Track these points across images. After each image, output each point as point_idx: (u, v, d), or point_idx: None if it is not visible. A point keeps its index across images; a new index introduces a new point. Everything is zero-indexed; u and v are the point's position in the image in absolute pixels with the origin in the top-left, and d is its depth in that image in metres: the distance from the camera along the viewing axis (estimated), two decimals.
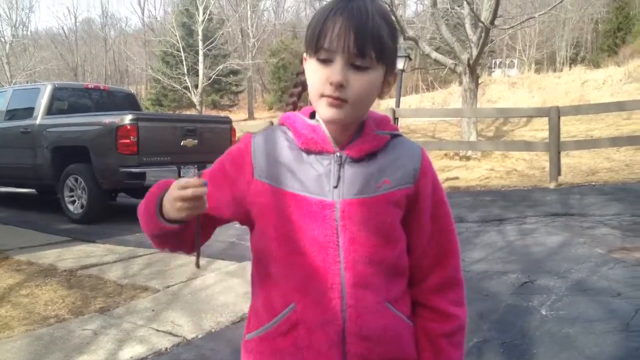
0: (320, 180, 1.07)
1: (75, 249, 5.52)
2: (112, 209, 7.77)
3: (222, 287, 4.13)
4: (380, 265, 1.07)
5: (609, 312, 3.32)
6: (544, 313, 3.38)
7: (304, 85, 1.17)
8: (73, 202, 7.26)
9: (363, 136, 1.10)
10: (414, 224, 1.13)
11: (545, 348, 2.92)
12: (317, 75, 1.04)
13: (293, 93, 1.22)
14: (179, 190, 1.00)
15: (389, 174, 1.09)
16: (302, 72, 1.14)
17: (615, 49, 36.32)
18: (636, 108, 10.90)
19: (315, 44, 1.02)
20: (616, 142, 9.35)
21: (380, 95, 1.11)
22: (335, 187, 1.07)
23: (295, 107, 1.21)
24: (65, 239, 6.07)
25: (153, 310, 3.68)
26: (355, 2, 1.01)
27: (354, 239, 1.06)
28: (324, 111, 1.05)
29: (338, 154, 1.08)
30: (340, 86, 1.01)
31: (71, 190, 7.26)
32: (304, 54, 1.10)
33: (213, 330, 3.35)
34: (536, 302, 3.56)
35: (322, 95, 1.03)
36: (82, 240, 6.00)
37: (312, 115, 1.13)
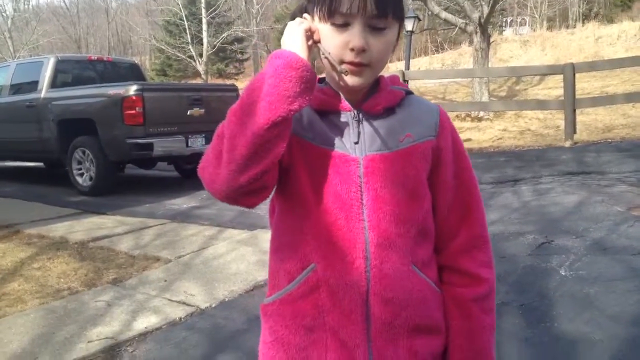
0: (341, 137, 1.03)
1: (86, 221, 5.49)
2: (121, 180, 7.75)
3: (234, 256, 4.09)
4: (406, 225, 1.02)
5: (630, 271, 3.25)
6: (563, 273, 3.32)
7: None
8: (81, 175, 7.22)
9: (379, 92, 1.06)
10: (438, 180, 1.09)
11: (565, 309, 2.86)
12: (333, 41, 0.98)
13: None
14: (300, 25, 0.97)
15: (410, 127, 1.05)
16: None
17: (629, 3, 35.38)
18: None
19: (331, 9, 0.96)
20: (632, 97, 9.12)
21: (393, 50, 1.06)
22: (357, 143, 1.03)
23: None
24: (75, 211, 6.04)
25: (165, 281, 3.65)
26: None
27: (378, 196, 1.01)
28: (345, 78, 1.00)
29: (355, 111, 1.04)
30: (362, 51, 0.97)
31: (79, 162, 7.22)
32: (306, 15, 1.03)
33: (226, 300, 3.31)
34: (555, 262, 3.50)
35: (342, 62, 0.99)
36: (92, 212, 5.97)
37: (320, 80, 1.07)
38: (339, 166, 1.01)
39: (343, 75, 0.99)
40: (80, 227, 5.21)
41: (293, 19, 1.04)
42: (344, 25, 0.97)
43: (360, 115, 1.04)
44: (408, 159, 1.04)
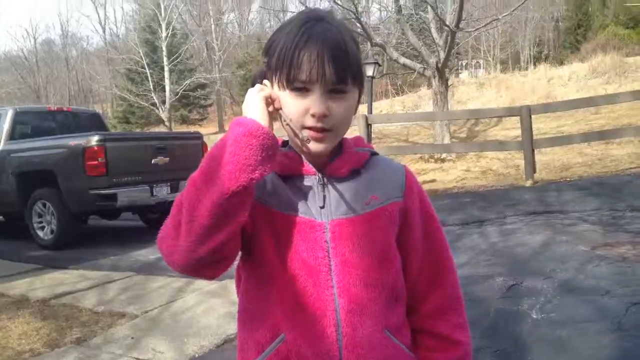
0: (306, 202, 1.01)
1: (47, 277, 5.32)
2: (84, 232, 7.55)
3: (204, 308, 3.99)
4: (377, 289, 1.00)
5: (599, 312, 3.28)
6: (534, 316, 3.33)
7: None
8: (42, 228, 7.03)
9: (343, 154, 1.05)
10: (407, 242, 1.07)
11: (540, 353, 2.87)
12: (294, 108, 0.98)
13: None
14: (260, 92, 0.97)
15: (376, 189, 1.04)
16: None
17: (577, 45, 37.06)
18: (605, 103, 11.11)
19: (290, 77, 0.96)
20: (588, 137, 9.45)
21: (354, 112, 1.07)
22: (322, 207, 1.01)
23: None
24: (36, 266, 5.86)
25: (132, 338, 3.53)
26: (320, 24, 0.97)
27: (346, 261, 0.99)
28: (308, 145, 1.00)
29: (319, 175, 1.03)
30: (323, 117, 0.97)
31: (40, 215, 7.03)
32: (266, 81, 1.02)
33: (197, 356, 3.22)
34: (525, 305, 3.51)
35: (303, 127, 0.98)
36: (54, 267, 5.79)
37: (283, 144, 1.07)
38: (305, 232, 0.99)
39: (305, 142, 0.98)
40: (41, 284, 5.03)
41: (253, 84, 1.04)
42: (304, 92, 0.97)
43: (325, 179, 1.03)
44: (375, 221, 1.02)
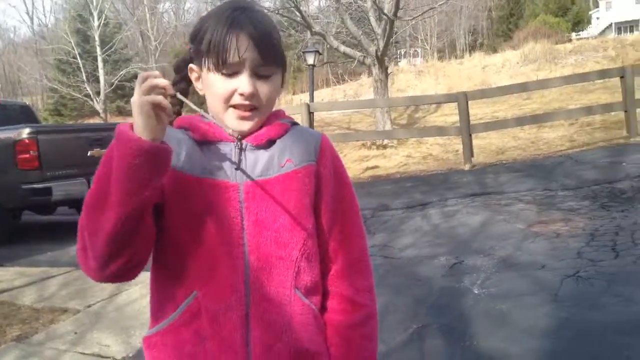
0: (221, 165, 1.05)
1: None
2: (18, 228, 7.24)
3: (149, 300, 3.90)
4: (287, 248, 1.05)
5: (536, 285, 3.44)
6: (476, 292, 3.45)
7: (185, 94, 1.14)
8: None
9: (264, 125, 1.09)
10: (319, 205, 1.11)
11: (482, 327, 2.97)
12: (222, 87, 1.04)
13: (174, 103, 1.13)
14: (142, 89, 0.89)
15: (290, 154, 1.08)
16: (181, 81, 1.15)
17: (509, 33, 38.33)
18: (537, 88, 11.56)
19: (219, 61, 1.02)
20: (521, 121, 9.82)
21: (279, 94, 1.14)
22: (237, 169, 1.04)
23: (179, 115, 1.16)
24: None
25: (76, 333, 3.43)
26: (245, 13, 1.04)
27: (258, 221, 1.03)
28: (234, 123, 1.05)
29: (238, 142, 1.06)
30: (251, 96, 1.03)
31: None
32: (192, 65, 1.10)
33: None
34: (467, 282, 3.64)
35: (231, 106, 1.04)
36: None
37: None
38: (218, 193, 1.03)
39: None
40: None
41: (177, 71, 1.14)
42: (233, 75, 1.03)
43: (243, 145, 1.06)
44: (288, 183, 1.06)
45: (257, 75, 1.04)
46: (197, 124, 1.08)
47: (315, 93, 17.02)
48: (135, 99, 0.89)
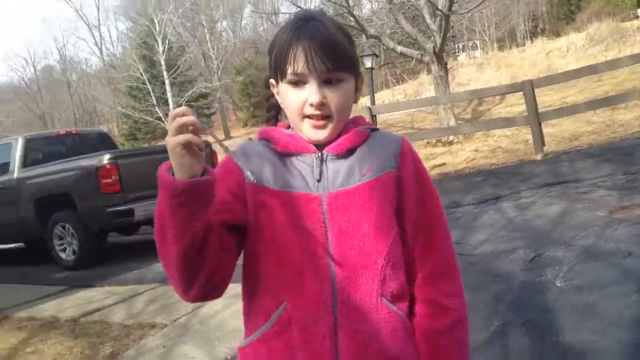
0: (303, 177, 1.07)
1: (75, 297, 5.39)
2: (105, 249, 7.63)
3: (231, 312, 4.03)
4: (372, 257, 1.05)
5: (622, 274, 3.30)
6: (559, 285, 3.35)
7: (277, 108, 1.20)
8: (64, 250, 7.10)
9: (343, 134, 1.11)
10: (402, 211, 1.11)
11: (568, 321, 2.88)
12: (294, 98, 1.06)
13: (269, 118, 1.22)
14: (172, 130, 0.92)
15: (370, 162, 1.09)
16: (272, 95, 1.17)
17: (571, 16, 36.74)
18: (606, 69, 11.01)
19: (285, 71, 1.05)
20: (593, 104, 9.40)
21: (355, 101, 1.14)
22: (319, 180, 1.07)
23: (277, 121, 1.22)
24: (62, 287, 5.91)
25: (164, 347, 3.59)
26: (310, 22, 1.05)
27: (342, 231, 1.05)
28: (310, 133, 1.08)
29: (319, 152, 1.09)
30: (321, 105, 1.04)
31: (60, 238, 7.11)
32: (271, 80, 1.14)
33: (228, 357, 3.27)
34: (549, 275, 3.53)
35: (305, 116, 1.07)
36: (80, 286, 5.85)
37: (287, 127, 1.16)
38: (302, 206, 1.05)
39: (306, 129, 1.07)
40: (69, 304, 5.10)
41: (267, 87, 1.17)
42: (301, 84, 1.06)
43: (323, 156, 1.09)
44: (370, 192, 1.07)
45: (327, 83, 1.05)
46: (279, 137, 1.11)
47: (376, 95, 16.98)
48: (167, 140, 0.92)
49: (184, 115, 0.92)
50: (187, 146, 0.91)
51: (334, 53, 1.03)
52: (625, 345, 2.53)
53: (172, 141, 0.91)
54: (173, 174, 0.93)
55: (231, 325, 3.76)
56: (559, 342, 2.69)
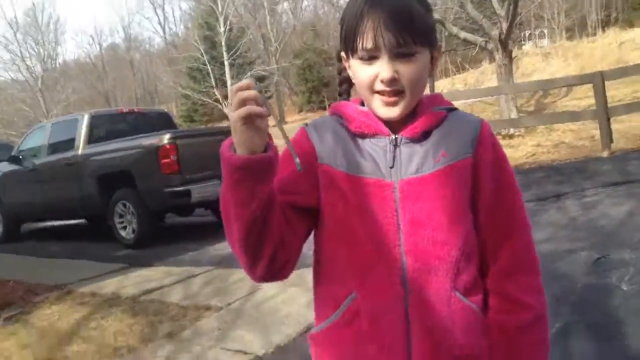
0: (376, 162, 1.03)
1: (134, 275, 5.53)
2: (162, 230, 7.82)
3: (284, 298, 4.07)
4: (445, 248, 1.00)
5: None
6: (625, 289, 3.22)
7: (349, 82, 1.15)
8: (124, 228, 7.27)
9: (418, 115, 1.05)
10: (478, 199, 1.05)
11: (634, 326, 2.76)
12: (365, 74, 1.02)
13: (341, 92, 1.18)
14: (234, 105, 0.90)
15: (445, 147, 1.03)
16: (344, 69, 1.12)
17: None
18: None
19: (356, 45, 1.00)
20: None
21: (430, 74, 1.09)
22: (392, 167, 1.03)
23: (349, 95, 1.19)
24: (123, 265, 6.08)
25: (220, 329, 3.64)
26: None
27: (415, 220, 1.00)
28: (381, 110, 1.03)
29: (393, 136, 1.04)
30: (392, 80, 0.99)
31: (121, 216, 7.28)
32: (342, 53, 1.09)
33: (282, 344, 3.28)
34: (614, 278, 3.39)
35: (375, 92, 1.02)
36: (139, 265, 6.00)
37: (362, 103, 1.10)
38: (374, 192, 1.01)
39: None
40: (129, 282, 5.24)
41: (339, 60, 1.11)
42: (371, 58, 1.00)
43: (397, 140, 1.04)
44: (445, 179, 1.01)
45: (399, 56, 0.99)
46: (353, 115, 1.07)
47: (435, 84, 16.67)
48: (229, 114, 0.91)
49: (247, 88, 0.90)
50: (248, 120, 0.89)
51: (406, 25, 0.97)
52: None
53: (234, 115, 0.89)
54: (235, 150, 0.92)
55: (284, 312, 3.79)
56: (624, 346, 2.59)
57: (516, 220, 1.08)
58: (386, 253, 1.00)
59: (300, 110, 40.34)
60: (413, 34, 0.98)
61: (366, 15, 0.98)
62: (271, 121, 0.96)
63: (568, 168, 7.53)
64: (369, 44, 0.98)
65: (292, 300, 3.98)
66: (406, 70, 0.99)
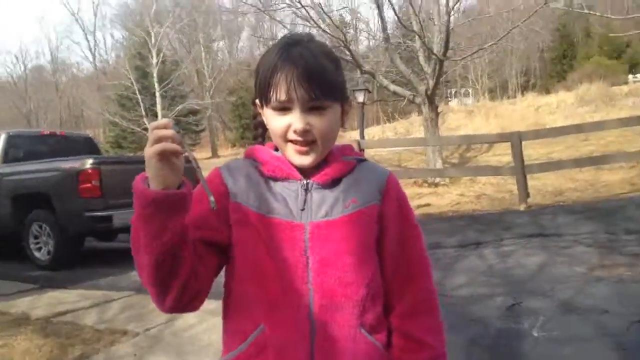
0: (287, 204, 1.07)
1: (47, 296, 5.27)
2: (82, 253, 7.45)
3: (205, 327, 3.96)
4: (352, 287, 1.05)
5: (600, 330, 3.30)
6: (536, 335, 3.34)
7: (263, 127, 1.17)
8: (39, 249, 6.96)
9: (329, 163, 1.10)
10: (383, 245, 1.11)
11: None
12: (278, 123, 1.05)
13: (256, 135, 1.22)
14: (150, 141, 0.91)
15: (355, 193, 1.09)
16: (258, 114, 1.16)
17: (563, 74, 37.73)
18: (593, 130, 11.28)
19: (269, 97, 1.04)
20: (579, 163, 9.60)
21: (342, 125, 1.13)
22: (303, 209, 1.06)
23: (264, 139, 1.21)
24: (35, 286, 5.80)
25: (135, 355, 3.51)
26: (296, 48, 1.03)
27: (324, 260, 1.04)
28: (294, 158, 1.07)
29: (304, 180, 1.08)
30: (305, 132, 1.03)
31: (36, 237, 6.97)
32: (257, 100, 1.12)
33: None
34: (526, 324, 3.52)
35: (288, 140, 1.06)
36: (53, 286, 5.73)
37: (276, 148, 1.14)
38: (284, 232, 1.05)
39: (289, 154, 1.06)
40: (41, 302, 4.99)
41: (254, 104, 1.15)
42: (285, 110, 1.04)
43: (308, 185, 1.08)
44: (353, 223, 1.06)
45: (311, 109, 1.03)
46: (267, 159, 1.11)
47: (366, 130, 17.11)
48: (145, 151, 0.93)
49: (165, 127, 0.92)
50: (162, 157, 0.91)
51: (317, 81, 1.02)
52: None
53: (148, 151, 0.91)
54: (149, 184, 0.93)
55: (205, 341, 3.69)
56: None
57: (419, 267, 1.15)
58: (294, 290, 1.03)
59: (234, 145, 40.09)
60: (324, 90, 1.03)
61: (280, 70, 1.02)
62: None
63: (488, 218, 7.86)
64: (283, 97, 1.02)
65: (213, 329, 3.88)
66: (318, 122, 1.04)
